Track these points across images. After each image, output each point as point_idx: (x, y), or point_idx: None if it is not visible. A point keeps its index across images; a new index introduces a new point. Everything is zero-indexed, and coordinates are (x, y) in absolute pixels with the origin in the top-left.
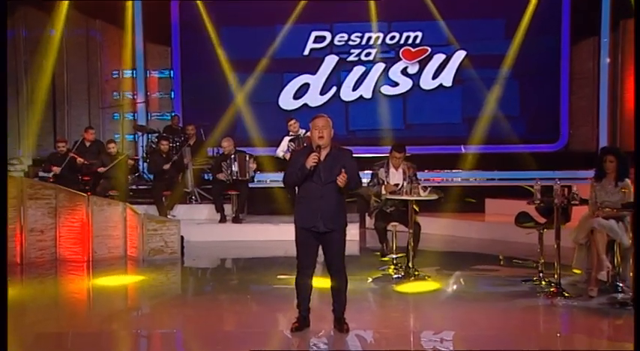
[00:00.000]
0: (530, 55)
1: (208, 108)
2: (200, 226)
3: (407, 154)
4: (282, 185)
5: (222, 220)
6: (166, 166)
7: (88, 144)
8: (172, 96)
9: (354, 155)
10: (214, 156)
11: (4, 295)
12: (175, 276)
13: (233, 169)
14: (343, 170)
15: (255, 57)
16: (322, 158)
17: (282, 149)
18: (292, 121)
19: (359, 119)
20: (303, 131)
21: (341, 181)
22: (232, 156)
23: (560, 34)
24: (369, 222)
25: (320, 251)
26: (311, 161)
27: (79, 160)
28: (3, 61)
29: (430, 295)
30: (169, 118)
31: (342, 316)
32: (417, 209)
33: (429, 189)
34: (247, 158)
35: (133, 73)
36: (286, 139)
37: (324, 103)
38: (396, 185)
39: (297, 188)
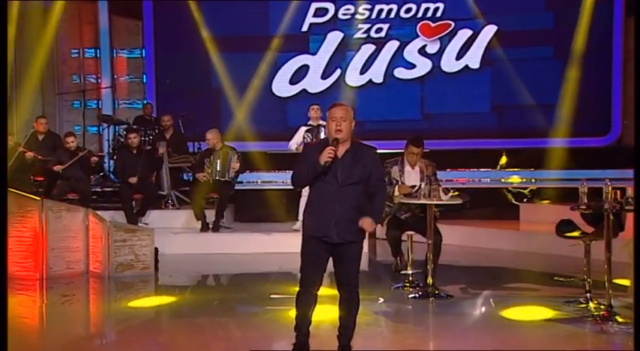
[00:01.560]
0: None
1: (188, 95)
2: (178, 235)
3: (425, 150)
4: (292, 185)
5: (204, 228)
6: (132, 181)
7: (40, 137)
8: (144, 80)
9: (377, 153)
10: (196, 152)
11: (3, 298)
12: (148, 296)
13: (216, 167)
14: (361, 221)
15: (243, 34)
16: (340, 155)
17: (297, 141)
18: (314, 107)
19: (368, 108)
20: (323, 122)
21: (368, 228)
22: (217, 152)
23: (612, 3)
24: (380, 230)
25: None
26: (326, 156)
27: (29, 153)
28: (3, 60)
29: (453, 318)
30: (141, 106)
31: (348, 343)
32: (437, 215)
33: (451, 191)
34: (231, 155)
35: (96, 53)
36: (302, 129)
37: (326, 89)
38: (413, 187)
39: (308, 189)
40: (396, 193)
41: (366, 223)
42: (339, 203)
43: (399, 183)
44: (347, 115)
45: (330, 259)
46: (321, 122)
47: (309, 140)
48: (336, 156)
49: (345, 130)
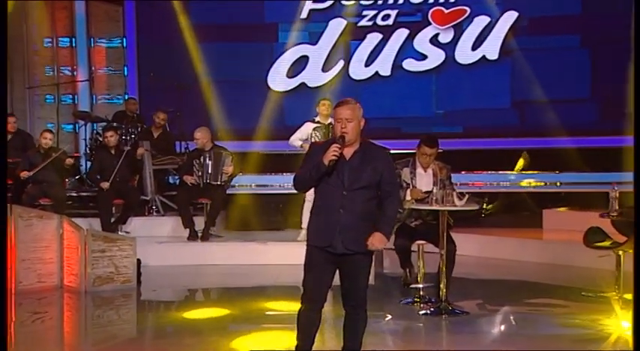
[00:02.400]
0: (606, 16)
1: (174, 89)
2: (163, 245)
3: (439, 150)
4: (294, 188)
5: (192, 237)
6: (104, 186)
7: (8, 137)
8: (125, 72)
9: (390, 154)
10: (183, 152)
11: (3, 297)
12: (129, 312)
13: (207, 169)
14: (371, 238)
15: (236, 21)
16: (348, 156)
17: (301, 137)
18: (325, 103)
19: (374, 104)
20: (332, 120)
21: (378, 245)
22: (208, 152)
23: None
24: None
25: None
26: (331, 154)
27: None
28: (3, 60)
29: (469, 338)
30: (121, 101)
31: None
32: (451, 223)
33: (467, 196)
34: (224, 158)
35: (72, 42)
36: (309, 125)
37: (328, 83)
38: (426, 193)
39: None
40: (408, 197)
41: (376, 239)
42: (344, 210)
43: (410, 186)
44: (354, 115)
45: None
46: (331, 120)
47: (316, 138)
48: (343, 157)
49: (351, 132)
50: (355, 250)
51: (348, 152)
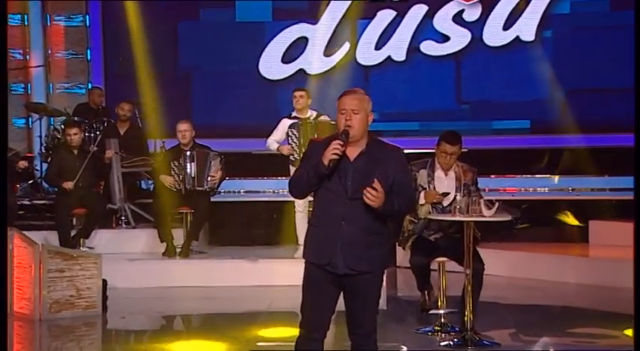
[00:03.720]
0: None
1: (147, 77)
2: (134, 263)
3: (463, 150)
4: (289, 193)
5: (169, 253)
6: (67, 186)
7: None
8: (89, 57)
9: (404, 154)
10: (160, 151)
11: (3, 300)
12: (93, 344)
13: (188, 171)
14: (376, 180)
15: None
16: (352, 157)
17: (276, 138)
18: (299, 94)
19: (385, 94)
20: (314, 113)
21: (371, 197)
22: (188, 151)
23: None
24: (402, 256)
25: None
26: (331, 152)
27: None
28: (3, 60)
29: None
30: (84, 91)
31: None
32: (478, 237)
33: (497, 205)
34: (211, 159)
35: (23, 19)
36: (285, 122)
37: (331, 69)
38: (444, 195)
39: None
40: (422, 201)
41: (376, 191)
42: (347, 221)
43: (428, 189)
44: (361, 106)
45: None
46: (311, 114)
47: (295, 139)
48: (346, 158)
49: (357, 126)
50: (360, 270)
51: (352, 152)
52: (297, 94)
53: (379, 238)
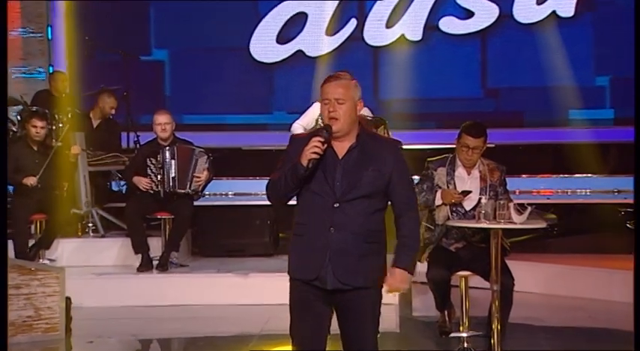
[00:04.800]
0: None
1: (117, 60)
2: (103, 278)
3: (489, 144)
4: (267, 199)
5: (145, 266)
6: (30, 182)
7: None
8: (49, 35)
9: (402, 149)
10: (132, 148)
11: (4, 295)
12: None
13: (168, 170)
14: (388, 280)
15: None
16: (342, 153)
17: (304, 123)
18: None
19: (398, 80)
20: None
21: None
22: (168, 147)
23: None
24: (418, 269)
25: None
26: (310, 151)
27: None
28: (3, 60)
29: None
30: (44, 76)
31: None
32: (507, 247)
33: (529, 209)
34: (197, 156)
35: None
36: (316, 107)
37: (335, 50)
38: (464, 194)
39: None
40: (438, 201)
41: (397, 279)
42: (337, 228)
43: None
44: (347, 95)
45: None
46: None
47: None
48: (334, 155)
49: (343, 118)
50: (353, 285)
51: (341, 147)
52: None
53: (375, 246)
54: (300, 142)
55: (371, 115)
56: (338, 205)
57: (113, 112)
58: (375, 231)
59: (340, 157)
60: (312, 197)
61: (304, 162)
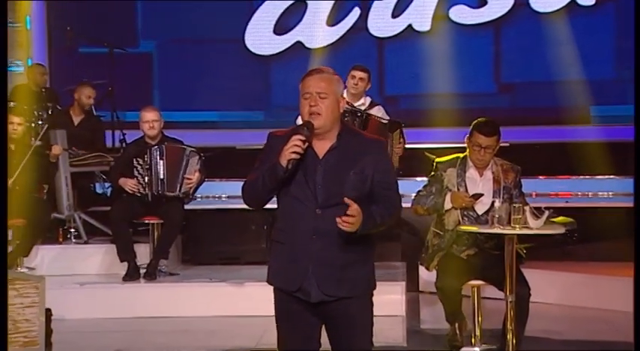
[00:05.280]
0: None
1: (102, 53)
2: (86, 288)
3: (503, 143)
4: (244, 202)
5: (131, 275)
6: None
7: None
8: (28, 25)
9: (387, 149)
10: (117, 147)
11: (4, 296)
12: None
13: (156, 171)
14: (348, 199)
15: None
16: (322, 153)
17: None
18: (358, 74)
19: (405, 74)
20: (368, 100)
21: (348, 225)
22: (156, 146)
23: None
24: (426, 278)
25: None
26: (289, 151)
27: None
28: (3, 60)
29: None
30: (22, 69)
31: None
32: (522, 254)
33: (546, 213)
34: (189, 157)
35: None
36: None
37: (337, 41)
38: (475, 197)
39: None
40: (447, 205)
41: (352, 210)
42: (319, 235)
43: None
44: (329, 89)
45: None
46: (364, 101)
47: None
48: (314, 155)
49: (325, 113)
50: (338, 295)
51: (321, 146)
52: (357, 74)
53: (362, 253)
54: (278, 140)
55: (387, 117)
56: (320, 211)
57: (92, 101)
58: (361, 238)
59: (321, 158)
60: (293, 202)
61: (283, 162)
